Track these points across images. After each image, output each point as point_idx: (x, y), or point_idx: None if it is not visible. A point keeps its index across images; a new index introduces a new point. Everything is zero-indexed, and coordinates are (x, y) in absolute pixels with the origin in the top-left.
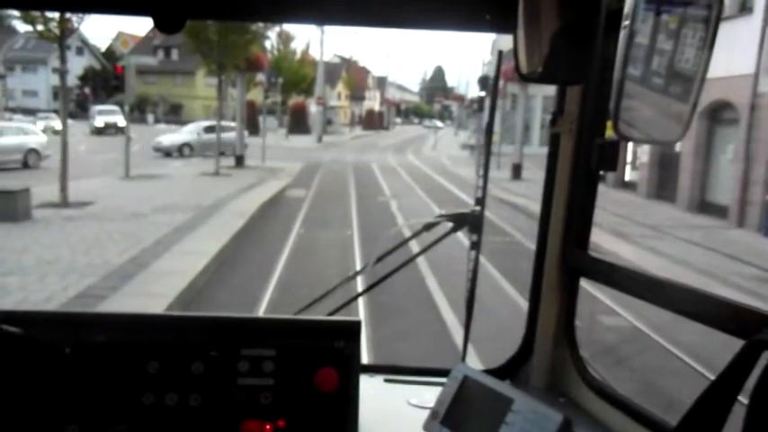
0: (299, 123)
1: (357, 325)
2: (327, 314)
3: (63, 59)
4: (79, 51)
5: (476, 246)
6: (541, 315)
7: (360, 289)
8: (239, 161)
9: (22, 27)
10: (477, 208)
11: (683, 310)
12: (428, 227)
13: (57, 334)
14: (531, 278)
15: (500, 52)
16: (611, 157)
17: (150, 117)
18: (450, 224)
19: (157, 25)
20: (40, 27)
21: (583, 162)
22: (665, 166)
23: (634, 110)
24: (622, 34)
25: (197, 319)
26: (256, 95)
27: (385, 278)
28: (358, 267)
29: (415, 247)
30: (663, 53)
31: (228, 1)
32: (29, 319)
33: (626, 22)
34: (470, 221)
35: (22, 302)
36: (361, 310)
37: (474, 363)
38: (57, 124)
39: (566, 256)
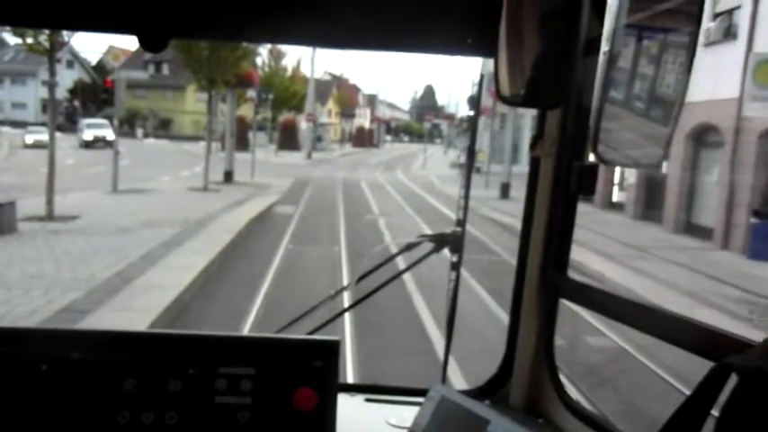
0: (288, 140)
1: (335, 344)
2: (309, 332)
3: (52, 72)
4: (69, 64)
5: (456, 266)
6: (521, 336)
7: (344, 306)
8: (228, 177)
9: (11, 40)
10: (458, 229)
11: (658, 332)
12: (410, 247)
13: (34, 350)
14: (511, 299)
15: (482, 75)
16: (589, 181)
17: (139, 131)
18: (432, 244)
19: (142, 44)
20: (29, 40)
21: (562, 185)
22: (651, 188)
23: (614, 133)
24: (601, 59)
25: (175, 336)
26: (247, 111)
27: (367, 297)
28: (345, 284)
29: (397, 266)
30: (644, 78)
31: (213, 21)
32: (5, 335)
33: (605, 48)
34: (451, 242)
35: (4, 316)
36: (347, 328)
37: (459, 382)
38: (46, 138)
39: (545, 278)
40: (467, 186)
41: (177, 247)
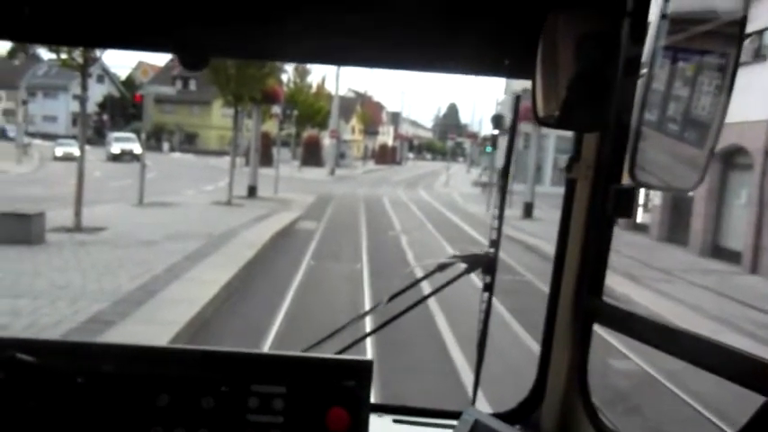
0: (312, 156)
1: (369, 365)
2: (336, 352)
3: (84, 87)
4: (100, 79)
5: (489, 288)
6: (553, 360)
7: (369, 327)
8: (252, 192)
9: (46, 55)
10: (492, 250)
11: (700, 361)
12: (441, 267)
13: (69, 363)
14: (544, 322)
15: (518, 97)
16: (627, 204)
17: (166, 145)
18: (464, 265)
19: (182, 62)
20: (63, 56)
21: (598, 208)
22: (677, 210)
23: (651, 156)
24: (640, 81)
25: (208, 353)
26: (271, 127)
27: (395, 318)
28: (366, 301)
29: (427, 287)
30: (679, 99)
31: (250, 41)
32: (42, 347)
33: (644, 70)
34: (484, 263)
35: (31, 326)
36: (369, 349)
37: (482, 404)
38: (75, 150)
39: (579, 301)
40: (501, 207)
41: (201, 261)
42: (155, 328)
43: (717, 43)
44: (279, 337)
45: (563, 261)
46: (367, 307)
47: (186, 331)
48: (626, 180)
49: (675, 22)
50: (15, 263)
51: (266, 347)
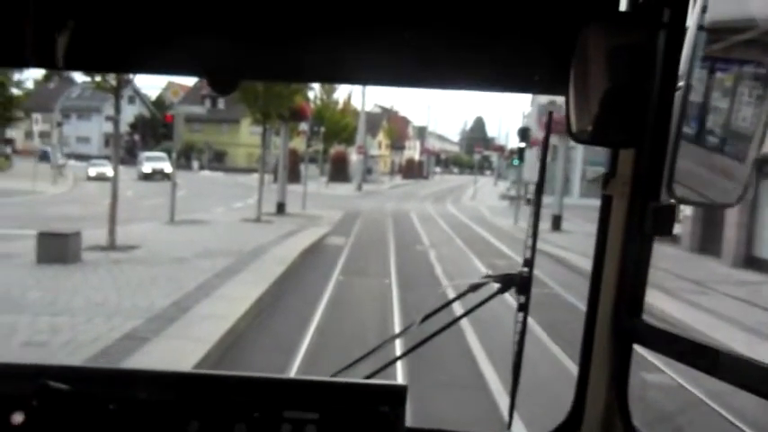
0: (339, 172)
1: (403, 390)
2: (368, 375)
3: (117, 109)
4: (131, 100)
5: (523, 308)
6: (592, 382)
7: (400, 348)
8: (280, 208)
9: (79, 78)
10: (525, 269)
11: (750, 386)
12: (474, 288)
13: (101, 390)
14: (581, 343)
15: (550, 113)
16: (666, 222)
17: (195, 164)
18: (497, 285)
19: (212, 86)
20: (97, 78)
21: (636, 225)
22: (709, 220)
23: (690, 170)
24: (677, 94)
25: (239, 378)
26: (299, 144)
27: (427, 340)
28: (396, 314)
29: (459, 308)
30: (718, 111)
31: (279, 63)
32: (74, 374)
33: (681, 83)
34: (518, 283)
35: (69, 342)
36: (399, 369)
37: (518, 427)
38: (108, 170)
39: (618, 321)
40: (534, 225)
41: (231, 278)
42: (187, 344)
43: (757, 52)
44: (309, 354)
45: (600, 280)
46: (397, 321)
47: (218, 347)
48: (663, 196)
49: (713, 32)
50: (53, 281)
51: (297, 364)
